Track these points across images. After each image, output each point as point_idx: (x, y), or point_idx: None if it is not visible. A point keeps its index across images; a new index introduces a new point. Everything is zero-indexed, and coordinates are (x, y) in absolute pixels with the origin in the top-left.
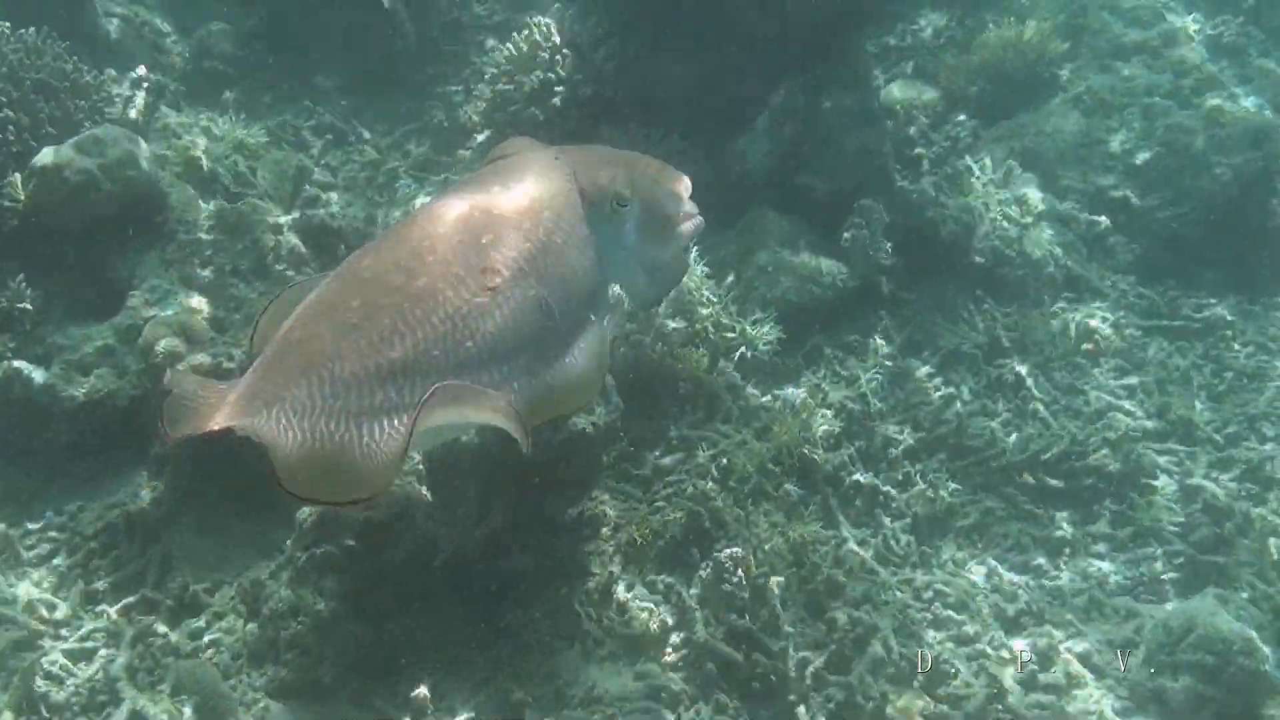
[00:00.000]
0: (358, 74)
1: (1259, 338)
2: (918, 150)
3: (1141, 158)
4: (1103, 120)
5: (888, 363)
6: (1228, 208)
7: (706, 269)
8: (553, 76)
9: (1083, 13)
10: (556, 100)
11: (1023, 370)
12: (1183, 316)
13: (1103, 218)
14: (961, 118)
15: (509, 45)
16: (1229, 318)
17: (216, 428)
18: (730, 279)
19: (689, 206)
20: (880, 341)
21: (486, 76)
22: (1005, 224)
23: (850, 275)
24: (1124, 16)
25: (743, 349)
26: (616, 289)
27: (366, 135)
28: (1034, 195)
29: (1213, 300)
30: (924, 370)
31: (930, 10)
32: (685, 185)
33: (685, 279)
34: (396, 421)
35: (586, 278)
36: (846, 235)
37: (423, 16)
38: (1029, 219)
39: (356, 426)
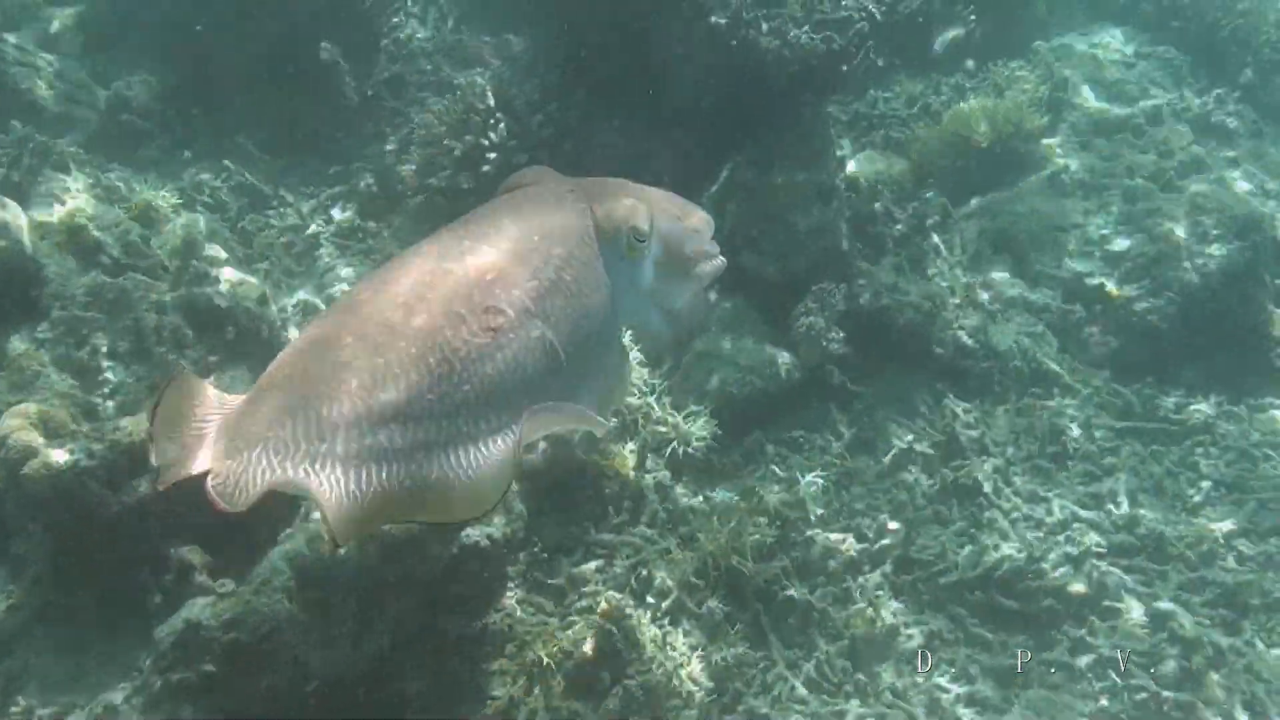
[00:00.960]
0: (288, 131)
1: (1241, 443)
2: (880, 229)
3: (1120, 244)
4: (1080, 202)
5: (835, 462)
6: (1210, 302)
7: (640, 355)
8: (485, 142)
9: (1064, 86)
10: (488, 168)
11: (981, 474)
12: (1159, 418)
13: (1077, 307)
14: (930, 194)
15: (440, 106)
16: (1209, 420)
17: (197, 471)
18: (666, 367)
19: (710, 246)
20: (828, 439)
21: (415, 140)
22: (970, 311)
23: (798, 365)
24: (1107, 91)
25: (675, 445)
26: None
27: (289, 198)
28: (1004, 280)
29: (1192, 401)
30: (874, 471)
31: (906, 78)
32: (706, 222)
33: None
34: (390, 470)
35: (597, 319)
36: (800, 321)
37: (364, 71)
38: (997, 306)
39: (344, 472)
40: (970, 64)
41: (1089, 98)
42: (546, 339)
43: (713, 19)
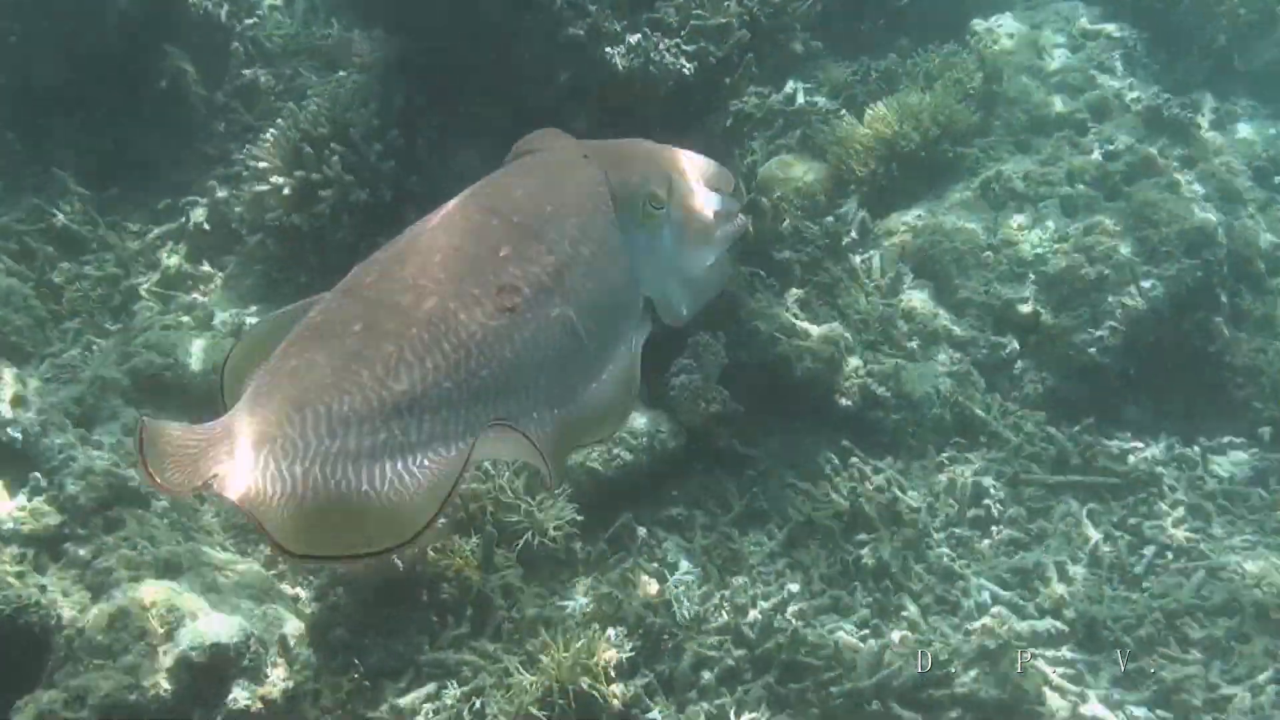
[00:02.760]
0: (118, 156)
1: (1192, 495)
2: (785, 254)
3: (1056, 265)
4: (1014, 214)
5: (717, 544)
6: (1158, 329)
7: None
8: (317, 177)
9: (998, 77)
10: (323, 206)
11: (889, 549)
12: (1098, 468)
13: (1008, 338)
14: (848, 207)
15: (268, 135)
16: (1155, 470)
17: (200, 482)
18: None
19: (732, 205)
20: (714, 513)
21: (244, 173)
22: (884, 352)
23: (674, 432)
24: (1047, 82)
25: (529, 535)
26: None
27: (111, 240)
28: (926, 310)
29: (1139, 444)
30: (765, 551)
31: (832, 62)
32: (728, 180)
33: None
34: (405, 463)
35: (618, 292)
36: (675, 381)
37: (215, 78)
38: (916, 343)
39: (357, 470)
40: (905, 42)
41: (1029, 88)
42: (566, 317)
43: (570, 30)
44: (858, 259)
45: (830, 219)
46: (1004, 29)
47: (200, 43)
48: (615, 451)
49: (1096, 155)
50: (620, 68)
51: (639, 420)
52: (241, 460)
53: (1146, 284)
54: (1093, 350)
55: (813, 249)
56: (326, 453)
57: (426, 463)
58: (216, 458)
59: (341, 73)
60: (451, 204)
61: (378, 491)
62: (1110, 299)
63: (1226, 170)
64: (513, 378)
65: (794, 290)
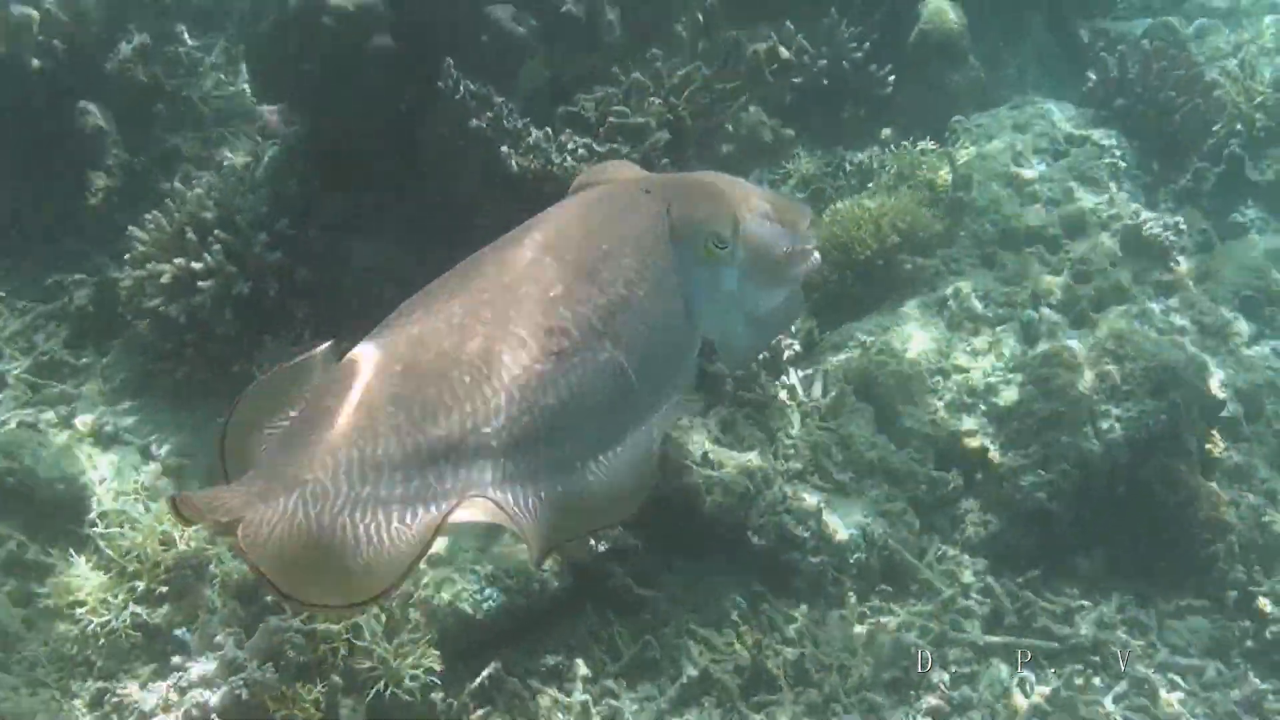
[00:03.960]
0: (13, 224)
1: (1144, 668)
2: (719, 365)
3: (1008, 396)
4: (969, 337)
5: (598, 699)
6: (1115, 475)
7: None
8: (198, 266)
9: (966, 184)
10: (203, 298)
11: (787, 717)
12: (1038, 630)
13: (951, 474)
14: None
15: (150, 219)
16: (1100, 636)
17: (225, 520)
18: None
19: (805, 242)
20: (600, 661)
21: (126, 259)
22: (810, 483)
23: (558, 571)
24: (1021, 191)
25: (382, 685)
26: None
27: None
28: (863, 437)
29: (1087, 603)
30: (651, 711)
31: (806, 153)
32: (804, 215)
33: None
34: (428, 510)
35: (672, 335)
36: None
37: (139, 140)
38: (849, 474)
39: (386, 515)
40: (888, 132)
41: (1000, 198)
42: (616, 361)
43: (473, 122)
44: (799, 375)
45: None
46: (983, 129)
47: (126, 101)
48: (487, 591)
49: (1065, 277)
50: (515, 168)
51: (517, 555)
52: (270, 505)
53: (1105, 424)
54: (1042, 494)
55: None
56: (358, 497)
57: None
58: (248, 502)
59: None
60: (507, 237)
61: (403, 540)
62: (1064, 439)
63: (1209, 299)
64: (556, 424)
65: (720, 409)
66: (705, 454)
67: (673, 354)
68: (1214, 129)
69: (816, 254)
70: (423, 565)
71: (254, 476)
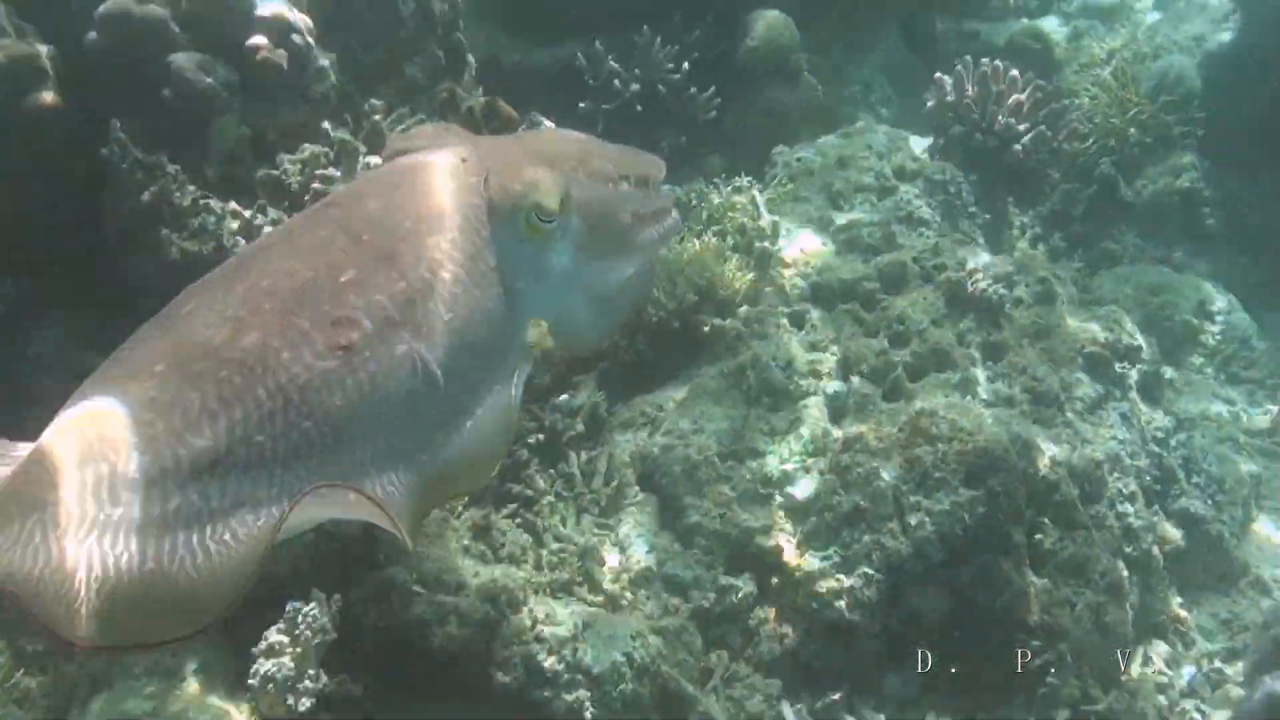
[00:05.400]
0: None
1: None
2: None
3: (806, 488)
4: (768, 414)
5: None
6: (927, 577)
7: None
8: None
9: (772, 232)
10: None
11: None
12: None
13: (743, 580)
14: (578, 396)
15: None
16: None
17: None
18: None
19: (658, 202)
20: None
21: None
22: (575, 596)
23: None
24: (836, 237)
25: None
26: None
27: None
28: (641, 536)
29: None
30: None
31: None
32: (657, 169)
33: None
34: (202, 536)
35: (486, 323)
36: (255, 666)
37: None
38: (621, 584)
39: (142, 544)
40: (715, 160)
41: (813, 246)
42: (417, 355)
43: (143, 197)
44: (580, 461)
45: (553, 409)
46: (803, 163)
47: None
48: None
49: (881, 339)
50: (176, 254)
51: (214, 708)
52: (2, 531)
53: (914, 519)
54: (842, 603)
55: (525, 453)
56: (106, 522)
57: (228, 536)
58: None
59: None
60: (298, 215)
61: (164, 570)
62: (867, 538)
63: (1046, 359)
64: (345, 428)
65: (472, 512)
66: (439, 576)
67: (488, 343)
68: (1068, 158)
69: (675, 212)
70: None
71: None
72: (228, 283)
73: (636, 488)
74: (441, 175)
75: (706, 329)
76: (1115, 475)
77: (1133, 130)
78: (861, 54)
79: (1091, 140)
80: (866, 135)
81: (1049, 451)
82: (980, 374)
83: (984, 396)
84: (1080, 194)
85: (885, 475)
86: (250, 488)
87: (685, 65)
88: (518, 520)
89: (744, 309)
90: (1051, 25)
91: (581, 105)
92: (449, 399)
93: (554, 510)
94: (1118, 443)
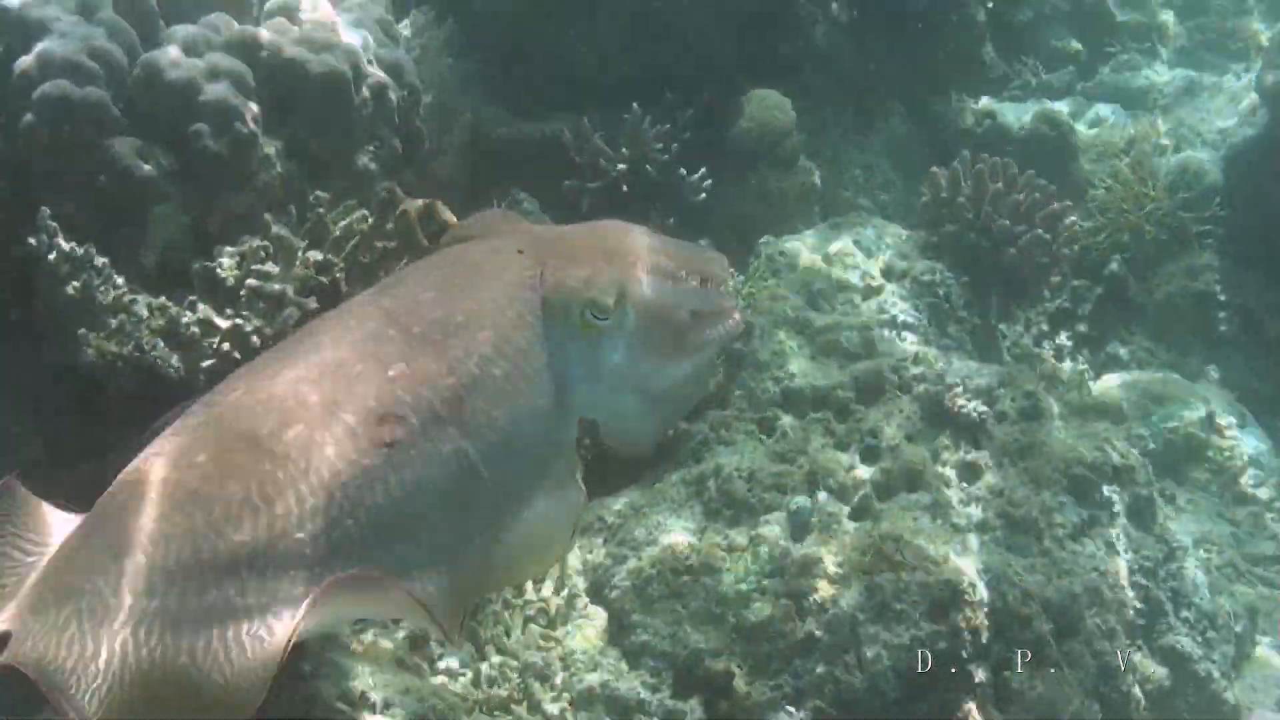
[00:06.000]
0: None
1: None
2: None
3: (760, 611)
4: (727, 529)
5: None
6: (882, 715)
7: None
8: None
9: (748, 330)
10: None
11: None
12: None
13: (690, 704)
14: None
15: None
16: None
17: None
18: None
19: (718, 301)
20: None
21: None
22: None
23: None
24: (814, 340)
25: None
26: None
27: None
28: (590, 652)
29: None
30: None
31: None
32: (720, 268)
33: None
34: (238, 632)
35: (535, 421)
36: None
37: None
38: (560, 705)
39: (176, 637)
40: (704, 244)
41: (786, 350)
42: (463, 453)
43: (68, 289)
44: None
45: None
46: (786, 257)
47: None
48: None
49: (852, 454)
50: (91, 355)
51: None
52: (33, 620)
53: (870, 652)
54: None
55: None
56: (143, 614)
57: (263, 632)
58: (16, 614)
59: None
60: (352, 302)
61: (197, 665)
62: (819, 669)
63: (1027, 481)
64: (387, 525)
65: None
66: (363, 694)
67: (536, 442)
68: (1072, 258)
69: (736, 314)
70: None
71: (30, 587)
72: (276, 368)
73: (585, 599)
74: (496, 267)
75: (672, 432)
76: (1094, 609)
77: (1148, 227)
78: (864, 135)
79: (1104, 235)
80: (855, 229)
81: (1022, 583)
82: (954, 496)
83: (956, 521)
84: (1088, 292)
85: (843, 603)
86: (289, 586)
87: (675, 145)
88: (462, 631)
89: (712, 413)
90: (1072, 108)
91: (567, 183)
92: (495, 498)
93: (498, 620)
94: (1098, 574)
